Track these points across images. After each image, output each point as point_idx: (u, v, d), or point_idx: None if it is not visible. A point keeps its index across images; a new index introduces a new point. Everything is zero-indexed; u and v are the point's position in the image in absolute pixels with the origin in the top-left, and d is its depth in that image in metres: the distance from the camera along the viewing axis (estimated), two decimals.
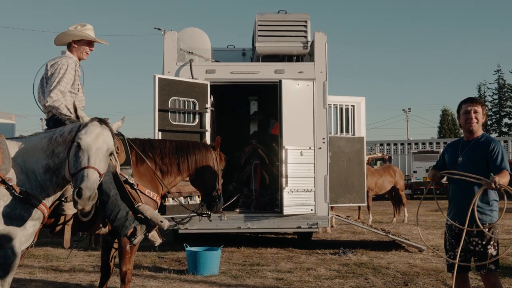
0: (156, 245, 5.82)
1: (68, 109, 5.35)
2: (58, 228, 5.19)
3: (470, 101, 5.17)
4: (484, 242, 4.90)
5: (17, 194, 4.08)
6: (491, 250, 4.90)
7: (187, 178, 6.89)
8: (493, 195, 4.98)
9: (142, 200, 5.73)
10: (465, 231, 4.87)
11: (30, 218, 4.17)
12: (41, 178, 4.24)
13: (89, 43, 5.79)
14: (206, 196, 6.57)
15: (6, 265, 4.10)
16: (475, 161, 4.96)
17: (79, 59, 5.76)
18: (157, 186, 6.04)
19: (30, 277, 8.08)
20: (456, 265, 4.96)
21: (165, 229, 5.48)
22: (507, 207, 19.12)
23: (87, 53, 5.81)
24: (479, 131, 5.14)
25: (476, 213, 4.82)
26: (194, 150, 6.37)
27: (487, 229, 4.87)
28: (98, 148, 4.08)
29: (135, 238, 5.12)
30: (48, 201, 4.33)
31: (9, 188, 4.08)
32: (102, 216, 5.21)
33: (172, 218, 9.64)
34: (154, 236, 5.68)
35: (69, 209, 4.92)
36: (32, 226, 4.23)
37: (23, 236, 4.18)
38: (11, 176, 4.12)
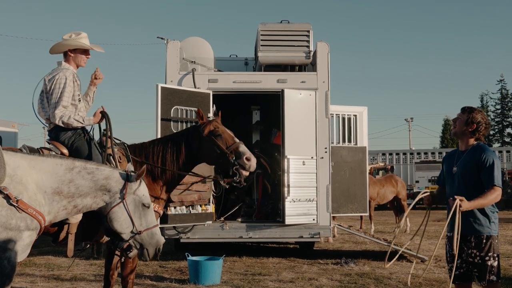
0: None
1: (77, 120, 5.58)
2: (61, 237, 5.21)
3: (461, 109, 5.23)
4: (482, 254, 4.88)
5: (14, 204, 4.06)
6: (491, 262, 4.88)
7: (192, 186, 6.86)
8: (489, 206, 4.96)
9: None
10: (457, 242, 4.87)
11: (26, 228, 4.15)
12: (47, 197, 4.28)
13: (85, 51, 5.85)
14: (220, 168, 6.30)
15: (2, 275, 4.08)
16: (468, 172, 4.95)
17: (77, 67, 5.82)
18: (158, 195, 6.03)
19: (32, 286, 8.07)
20: (453, 276, 4.95)
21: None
22: (509, 217, 18.83)
23: (85, 61, 5.88)
24: (470, 140, 5.11)
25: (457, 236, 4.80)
26: (177, 137, 6.21)
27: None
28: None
29: (130, 252, 5.18)
30: (49, 215, 4.31)
31: (5, 197, 4.07)
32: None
33: (174, 227, 9.66)
34: None
35: (73, 218, 4.95)
36: (29, 236, 4.20)
37: (19, 246, 4.16)
38: (6, 184, 4.10)
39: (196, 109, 9.85)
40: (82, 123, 5.67)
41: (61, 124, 5.57)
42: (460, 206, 4.71)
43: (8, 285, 4.13)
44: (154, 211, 5.86)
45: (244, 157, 6.00)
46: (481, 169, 4.88)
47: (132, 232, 4.54)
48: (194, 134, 6.20)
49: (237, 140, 6.16)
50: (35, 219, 4.16)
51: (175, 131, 9.65)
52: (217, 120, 6.29)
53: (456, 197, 4.76)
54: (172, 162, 6.12)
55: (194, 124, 8.96)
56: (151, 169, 6.00)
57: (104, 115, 5.82)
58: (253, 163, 6.05)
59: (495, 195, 4.81)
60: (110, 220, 4.53)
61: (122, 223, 4.52)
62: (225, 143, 6.07)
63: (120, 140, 6.12)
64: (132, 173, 4.65)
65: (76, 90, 5.66)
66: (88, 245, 5.84)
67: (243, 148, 6.08)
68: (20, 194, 4.11)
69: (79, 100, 5.71)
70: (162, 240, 4.70)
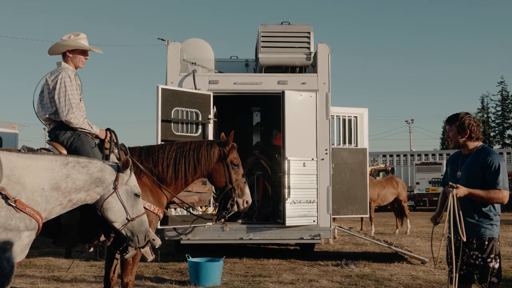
0: (148, 261, 5.84)
1: (89, 124, 5.66)
2: (59, 238, 5.21)
3: (446, 121, 5.24)
4: (484, 256, 4.88)
5: (12, 204, 4.06)
6: (492, 263, 4.88)
7: (192, 188, 6.82)
8: (492, 209, 4.95)
9: None
10: (460, 244, 4.87)
11: (26, 228, 4.16)
12: (45, 194, 4.28)
13: (83, 52, 5.86)
14: (220, 195, 6.41)
15: (2, 275, 4.08)
16: (473, 176, 4.94)
17: (76, 68, 5.82)
18: (159, 198, 6.01)
19: (32, 287, 8.07)
20: (456, 278, 4.95)
21: (156, 247, 5.50)
22: (510, 219, 18.85)
23: (83, 62, 5.88)
24: (470, 144, 5.10)
25: (459, 223, 4.81)
26: (194, 152, 6.14)
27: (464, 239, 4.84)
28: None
29: (127, 253, 5.18)
30: (44, 213, 4.32)
31: (4, 198, 4.06)
32: (103, 228, 5.23)
33: (174, 229, 9.64)
34: (147, 252, 5.71)
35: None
36: (28, 236, 4.21)
37: (19, 246, 4.17)
38: (4, 185, 4.10)
39: (196, 110, 9.98)
40: (91, 129, 5.69)
41: (75, 125, 5.56)
42: (456, 194, 4.76)
43: (8, 285, 4.13)
44: (155, 213, 5.86)
45: (245, 200, 6.26)
46: (487, 172, 4.87)
47: (126, 219, 4.68)
48: (217, 152, 6.20)
49: (244, 177, 6.35)
50: (33, 218, 4.17)
51: (175, 132, 9.66)
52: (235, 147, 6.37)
53: (451, 183, 4.79)
54: (187, 172, 6.11)
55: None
56: (158, 174, 6.02)
57: (110, 131, 5.85)
58: (247, 207, 6.34)
59: (498, 196, 4.80)
60: (104, 210, 4.66)
61: (116, 212, 4.67)
62: (236, 175, 6.23)
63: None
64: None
65: (77, 89, 5.66)
66: (92, 249, 5.82)
67: (247, 190, 6.30)
68: (19, 194, 4.11)
69: (80, 100, 5.71)
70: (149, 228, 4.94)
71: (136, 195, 4.75)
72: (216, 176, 6.20)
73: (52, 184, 4.37)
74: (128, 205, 4.69)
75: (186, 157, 6.12)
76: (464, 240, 4.84)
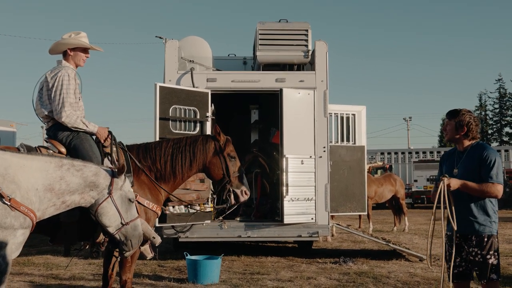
0: (147, 259, 5.86)
1: (84, 123, 5.65)
2: (58, 236, 5.21)
3: (446, 115, 5.24)
4: (483, 252, 4.90)
5: (7, 202, 4.06)
6: (492, 260, 4.90)
7: (189, 186, 6.84)
8: (491, 206, 4.96)
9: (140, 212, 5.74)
10: (454, 240, 4.89)
11: (20, 226, 4.18)
12: (39, 194, 4.30)
13: (85, 50, 5.87)
14: (218, 187, 6.47)
15: None
16: (470, 172, 4.94)
17: (76, 66, 5.82)
18: (157, 195, 6.02)
19: (30, 286, 8.07)
20: (451, 274, 4.97)
21: (156, 245, 5.51)
22: (507, 216, 18.88)
23: (84, 60, 5.88)
24: (465, 141, 5.11)
25: (454, 218, 4.83)
26: (190, 147, 6.22)
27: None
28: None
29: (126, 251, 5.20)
30: (38, 212, 4.33)
31: None
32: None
33: (173, 227, 9.64)
34: (146, 250, 5.73)
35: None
36: (22, 234, 4.23)
37: (13, 244, 4.19)
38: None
39: (194, 108, 9.97)
40: (87, 128, 5.68)
41: (67, 124, 5.56)
42: (449, 185, 4.77)
43: (4, 282, 4.15)
44: (153, 211, 5.87)
45: (243, 190, 6.32)
46: (482, 166, 4.88)
47: (120, 223, 4.70)
48: (212, 146, 6.30)
49: (242, 169, 6.43)
50: (27, 217, 4.18)
51: (173, 130, 9.66)
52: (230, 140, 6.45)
53: (442, 178, 4.82)
54: (183, 167, 6.17)
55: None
56: (157, 172, 6.04)
57: (110, 133, 5.87)
58: (246, 198, 6.39)
59: (492, 189, 4.81)
60: (99, 215, 4.67)
61: (110, 217, 4.68)
62: (234, 168, 6.30)
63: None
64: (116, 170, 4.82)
65: (76, 88, 5.66)
66: (88, 246, 5.83)
67: (245, 180, 6.38)
68: (13, 193, 4.12)
69: (79, 99, 5.71)
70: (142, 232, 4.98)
71: (130, 200, 4.77)
72: (214, 169, 6.26)
73: (46, 185, 4.37)
74: (122, 210, 4.70)
75: (182, 152, 6.18)
76: (455, 228, 4.85)
